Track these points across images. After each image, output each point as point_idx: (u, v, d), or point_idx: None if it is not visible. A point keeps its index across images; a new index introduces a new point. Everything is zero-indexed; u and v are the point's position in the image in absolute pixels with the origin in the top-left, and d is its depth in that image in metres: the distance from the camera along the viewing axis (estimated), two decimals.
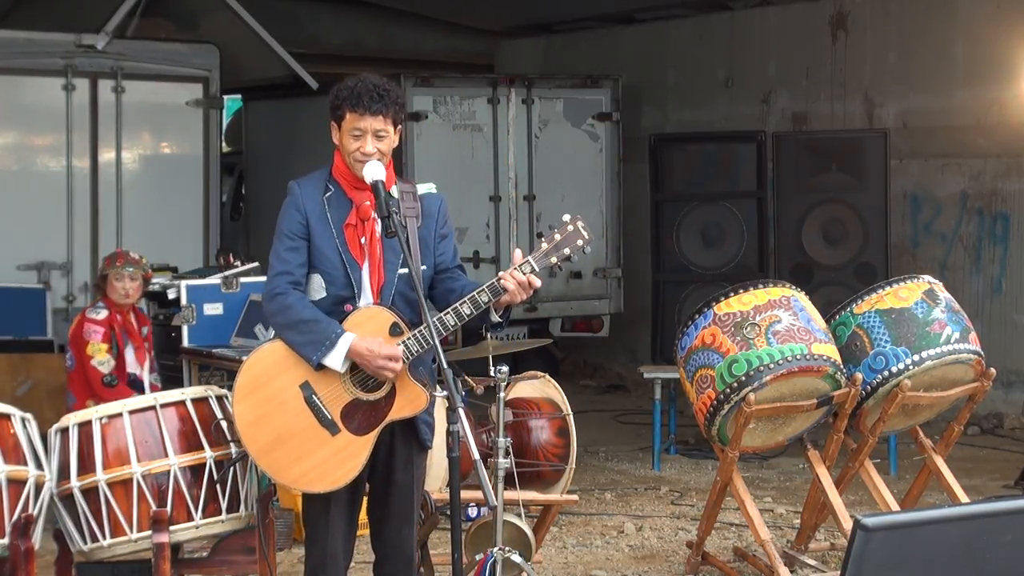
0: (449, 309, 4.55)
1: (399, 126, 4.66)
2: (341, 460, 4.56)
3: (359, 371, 4.57)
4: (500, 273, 4.59)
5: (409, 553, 4.81)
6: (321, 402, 4.56)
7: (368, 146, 4.57)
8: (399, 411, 4.59)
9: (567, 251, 4.63)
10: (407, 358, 4.53)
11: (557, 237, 4.63)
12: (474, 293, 4.55)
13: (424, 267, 4.66)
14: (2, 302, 9.82)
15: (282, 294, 4.58)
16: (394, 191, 4.67)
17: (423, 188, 4.84)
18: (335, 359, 4.51)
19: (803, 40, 11.88)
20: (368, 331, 4.53)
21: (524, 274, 4.55)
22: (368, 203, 4.61)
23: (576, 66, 13.20)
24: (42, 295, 10.20)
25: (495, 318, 4.63)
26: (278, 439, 4.58)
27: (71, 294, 10.56)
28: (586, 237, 4.65)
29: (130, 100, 10.81)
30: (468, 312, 4.53)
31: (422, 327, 4.50)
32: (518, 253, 4.61)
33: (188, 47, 11.39)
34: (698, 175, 10.27)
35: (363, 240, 4.62)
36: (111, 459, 4.98)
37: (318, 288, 4.64)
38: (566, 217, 4.67)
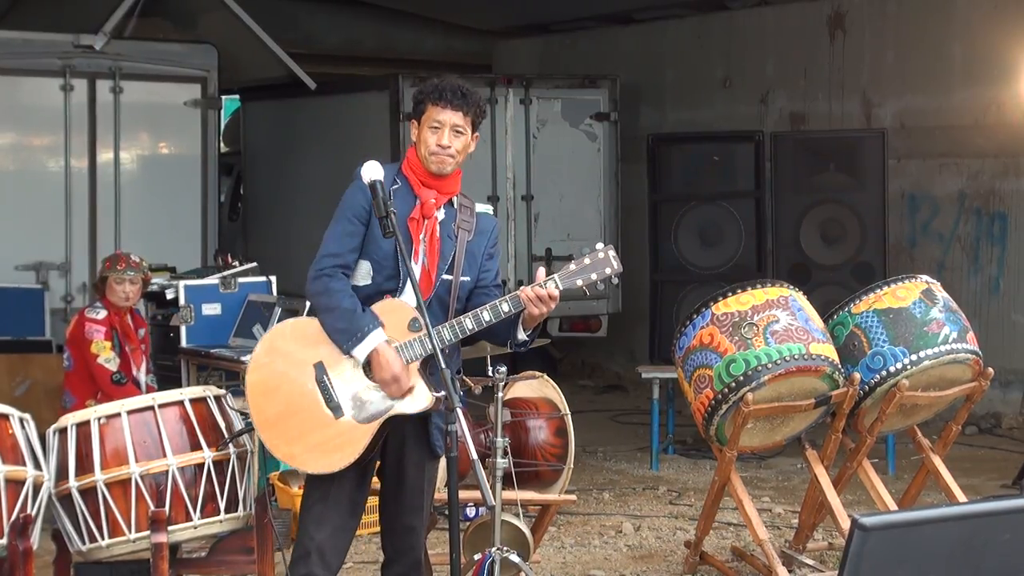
0: (469, 313, 4.61)
1: (476, 132, 4.76)
2: (339, 445, 4.58)
3: None
4: (522, 288, 4.63)
5: (417, 555, 4.83)
6: (331, 384, 4.60)
7: (445, 139, 4.65)
8: (403, 406, 4.61)
9: (594, 276, 4.66)
10: (419, 356, 4.57)
11: (587, 261, 4.68)
12: (496, 301, 4.61)
13: (467, 278, 4.73)
14: (0, 302, 9.83)
15: (328, 276, 4.63)
16: (454, 202, 4.76)
17: (481, 207, 4.92)
18: (362, 352, 4.56)
19: (801, 40, 11.89)
20: (389, 322, 4.59)
21: (544, 288, 4.58)
22: (433, 200, 4.68)
23: (574, 66, 13.21)
24: (40, 295, 10.21)
25: (522, 336, 4.69)
26: (282, 413, 4.61)
27: (69, 294, 10.57)
28: (615, 268, 4.68)
29: (128, 100, 10.82)
30: (488, 319, 4.58)
31: (441, 326, 4.55)
32: (541, 271, 4.66)
33: (186, 47, 11.40)
34: (696, 175, 10.27)
35: (422, 236, 4.67)
36: (109, 459, 4.98)
37: (364, 274, 4.68)
38: (599, 245, 4.74)
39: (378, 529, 5.09)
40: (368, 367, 4.60)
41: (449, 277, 4.67)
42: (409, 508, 4.77)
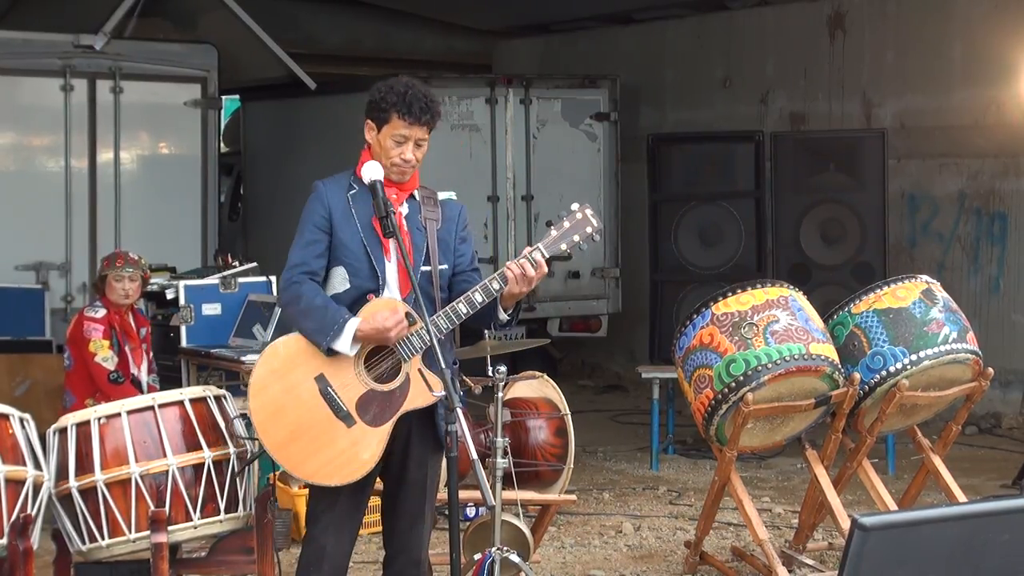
0: (461, 297, 4.60)
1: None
2: (357, 452, 4.58)
3: (372, 362, 4.60)
4: (508, 263, 4.63)
5: (417, 553, 4.82)
6: (336, 394, 4.58)
7: (408, 153, 4.65)
8: (413, 401, 4.61)
9: (576, 238, 4.70)
10: (420, 348, 4.57)
11: (566, 224, 4.70)
12: (485, 281, 4.62)
13: (444, 266, 4.74)
14: (1, 302, 9.82)
15: (296, 283, 4.64)
16: (416, 195, 4.77)
17: (443, 195, 4.93)
18: (343, 343, 4.54)
19: (801, 40, 11.89)
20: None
21: (532, 261, 4.59)
22: (395, 197, 4.68)
23: (574, 66, 13.21)
24: (40, 295, 10.20)
25: (503, 316, 4.68)
26: (294, 433, 4.59)
27: (69, 294, 10.57)
28: (595, 225, 4.72)
29: (128, 100, 10.81)
30: (480, 299, 4.59)
31: (436, 315, 4.55)
32: (527, 250, 4.67)
33: (186, 47, 11.40)
34: (696, 175, 10.27)
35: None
36: (109, 459, 4.98)
37: (341, 280, 4.68)
38: (574, 205, 4.75)
39: (379, 529, 5.10)
40: (367, 364, 4.58)
41: (428, 268, 4.66)
42: (411, 507, 4.76)
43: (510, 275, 4.57)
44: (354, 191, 4.70)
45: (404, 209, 4.71)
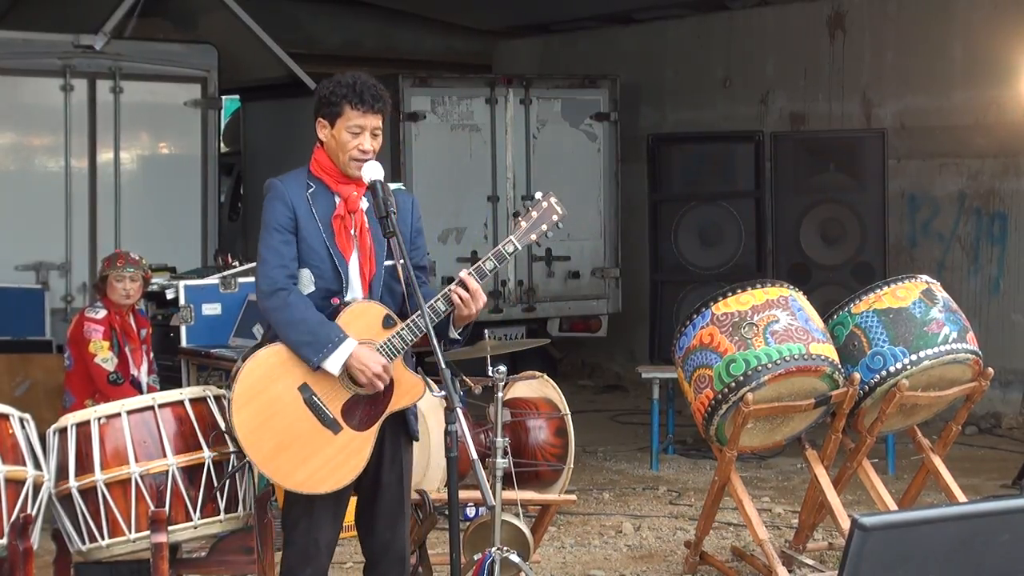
0: (438, 295, 4.59)
1: None
2: (346, 457, 4.56)
3: None
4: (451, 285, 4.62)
5: (401, 551, 4.78)
6: (321, 402, 4.56)
7: (366, 143, 4.62)
8: (398, 402, 4.61)
9: (544, 227, 4.76)
10: (401, 349, 4.55)
11: (534, 215, 4.75)
12: (447, 289, 4.62)
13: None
14: (1, 302, 9.83)
15: (284, 290, 4.56)
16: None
17: (392, 186, 4.86)
18: (334, 364, 4.50)
19: (801, 40, 11.89)
20: (361, 326, 4.56)
21: (507, 255, 4.65)
22: (355, 194, 4.64)
23: (574, 66, 13.21)
24: (40, 295, 10.21)
25: (453, 334, 4.67)
26: (281, 444, 4.56)
27: (69, 294, 10.57)
28: (560, 212, 4.78)
29: (128, 100, 10.83)
30: (445, 308, 4.58)
31: (414, 316, 4.53)
32: (463, 273, 4.67)
33: (186, 47, 11.41)
34: (696, 175, 10.27)
35: (352, 232, 4.65)
36: (109, 459, 4.97)
37: (307, 282, 4.63)
38: (538, 194, 4.81)
39: None
40: (346, 376, 4.56)
41: (390, 262, 4.61)
42: (388, 507, 4.73)
43: (455, 299, 4.57)
44: (312, 189, 4.66)
45: (364, 204, 4.66)
